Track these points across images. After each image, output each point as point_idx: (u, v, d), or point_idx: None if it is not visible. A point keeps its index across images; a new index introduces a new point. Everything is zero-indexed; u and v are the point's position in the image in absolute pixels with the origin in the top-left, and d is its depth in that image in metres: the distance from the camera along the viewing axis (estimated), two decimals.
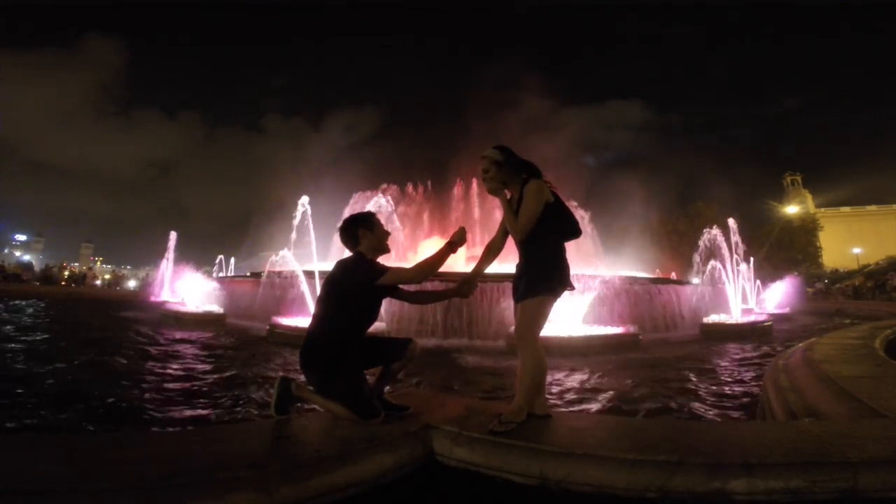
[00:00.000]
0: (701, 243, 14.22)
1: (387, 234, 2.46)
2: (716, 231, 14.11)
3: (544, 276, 2.24)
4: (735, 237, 14.45)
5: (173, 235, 21.58)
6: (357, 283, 2.25)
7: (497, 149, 2.39)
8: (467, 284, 2.45)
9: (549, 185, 2.34)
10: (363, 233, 2.37)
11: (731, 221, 14.79)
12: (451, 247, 2.33)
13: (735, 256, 14.42)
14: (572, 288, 2.36)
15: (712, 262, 13.72)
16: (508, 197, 2.43)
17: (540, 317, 2.24)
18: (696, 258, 13.60)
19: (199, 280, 14.86)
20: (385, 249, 2.44)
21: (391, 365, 2.39)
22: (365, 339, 2.36)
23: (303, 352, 2.28)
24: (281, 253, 11.72)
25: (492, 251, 2.52)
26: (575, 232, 2.38)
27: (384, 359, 2.39)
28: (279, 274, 12.25)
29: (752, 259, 20.16)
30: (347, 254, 2.45)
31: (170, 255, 21.04)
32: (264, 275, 12.61)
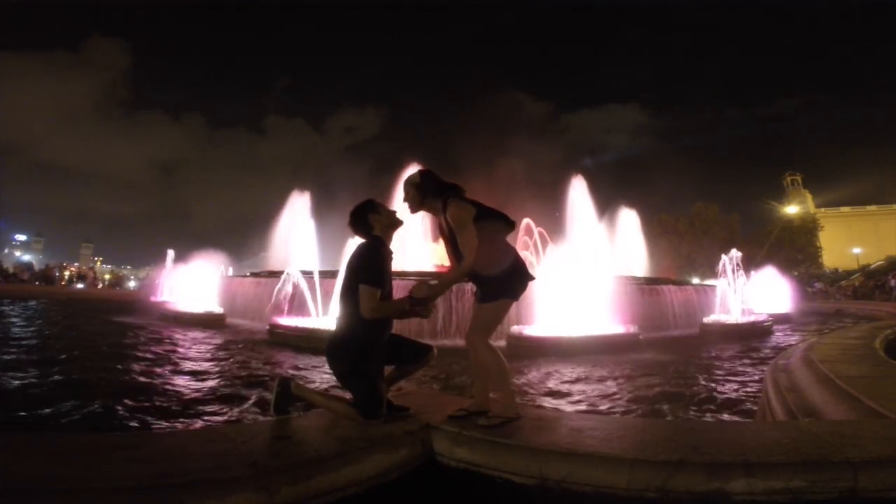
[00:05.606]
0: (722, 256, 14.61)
1: (393, 211, 2.46)
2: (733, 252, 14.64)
3: (504, 279, 2.25)
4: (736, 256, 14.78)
5: (173, 244, 21.70)
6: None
7: (418, 173, 2.43)
8: (424, 306, 2.28)
9: (468, 199, 2.30)
10: (373, 217, 2.39)
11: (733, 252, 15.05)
12: (411, 301, 2.25)
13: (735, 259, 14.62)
14: (533, 278, 2.38)
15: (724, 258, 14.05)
16: (440, 222, 2.39)
17: (499, 319, 2.29)
18: (725, 258, 13.90)
19: (201, 279, 14.83)
20: (398, 223, 2.45)
21: (406, 366, 2.41)
22: (391, 335, 2.36)
23: (330, 341, 2.31)
24: (289, 270, 11.74)
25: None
26: (509, 225, 2.36)
27: (401, 359, 2.39)
28: (277, 274, 12.27)
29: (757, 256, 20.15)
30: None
31: (170, 255, 21.10)
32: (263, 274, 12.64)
